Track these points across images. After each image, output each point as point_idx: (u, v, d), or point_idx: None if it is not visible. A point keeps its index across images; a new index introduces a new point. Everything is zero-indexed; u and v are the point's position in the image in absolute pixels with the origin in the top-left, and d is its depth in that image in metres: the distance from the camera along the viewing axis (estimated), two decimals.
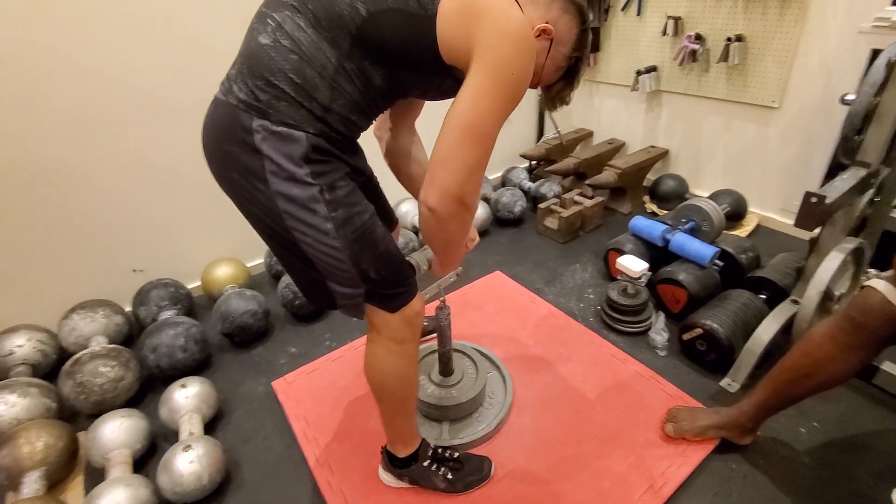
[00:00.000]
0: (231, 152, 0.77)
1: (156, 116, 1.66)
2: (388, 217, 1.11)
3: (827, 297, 1.34)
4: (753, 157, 2.23)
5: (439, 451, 1.15)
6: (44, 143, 1.50)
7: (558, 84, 0.91)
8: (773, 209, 2.24)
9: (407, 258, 0.99)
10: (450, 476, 1.12)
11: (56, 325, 1.59)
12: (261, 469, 1.27)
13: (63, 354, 1.56)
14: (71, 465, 1.25)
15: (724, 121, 2.28)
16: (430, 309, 1.22)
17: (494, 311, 1.77)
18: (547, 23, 0.82)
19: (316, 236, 0.79)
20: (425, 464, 1.11)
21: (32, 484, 1.13)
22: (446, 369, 1.34)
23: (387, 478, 1.17)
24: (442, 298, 1.22)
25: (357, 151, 0.90)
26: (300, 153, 0.74)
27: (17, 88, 1.41)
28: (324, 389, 1.47)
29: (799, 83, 1.98)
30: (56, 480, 1.22)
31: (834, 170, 1.93)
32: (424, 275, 1.10)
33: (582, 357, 1.53)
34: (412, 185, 1.12)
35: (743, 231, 2.18)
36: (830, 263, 1.30)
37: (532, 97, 2.79)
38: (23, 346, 1.48)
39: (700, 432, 1.21)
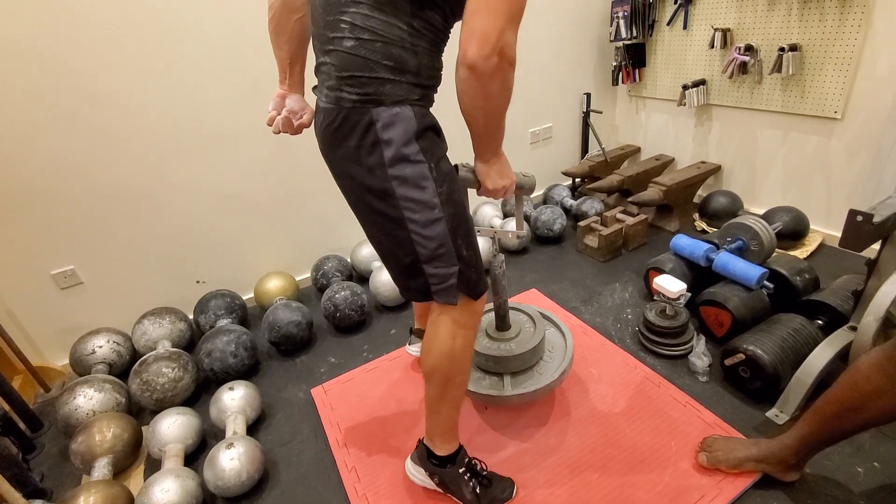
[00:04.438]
0: (354, 148, 0.85)
1: (217, 145, 1.85)
2: None
3: (889, 323, 1.22)
4: (815, 171, 2.08)
5: (473, 461, 1.16)
6: (127, 170, 1.72)
7: None
8: (838, 227, 2.05)
9: (455, 167, 0.98)
10: (478, 490, 1.13)
11: (130, 329, 1.80)
12: (295, 470, 1.35)
13: (135, 355, 1.76)
14: (135, 454, 1.40)
15: (780, 134, 2.15)
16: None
17: None
18: None
19: (424, 213, 0.87)
20: (461, 471, 1.12)
21: (101, 469, 1.29)
22: (503, 323, 1.34)
23: (415, 472, 1.17)
24: (496, 247, 1.20)
25: (441, 132, 0.96)
26: (413, 130, 0.83)
27: (112, 124, 1.65)
28: (357, 398, 1.54)
29: (865, 92, 1.84)
30: (121, 467, 1.37)
31: None
32: (475, 186, 1.02)
33: (613, 378, 1.49)
34: (288, 47, 1.03)
35: (804, 251, 2.03)
36: (891, 287, 1.19)
37: (576, 116, 2.78)
38: (102, 346, 1.69)
39: (736, 464, 1.14)
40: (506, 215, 2.55)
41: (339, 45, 0.83)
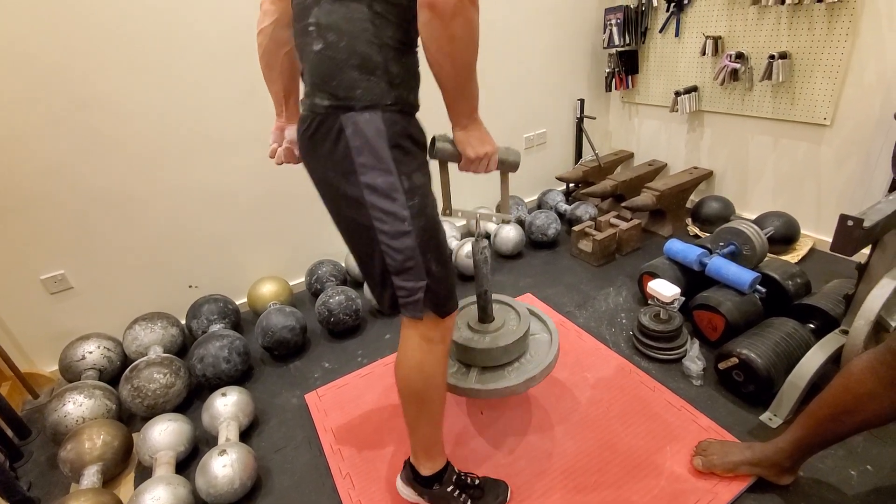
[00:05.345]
0: (327, 154, 0.85)
1: (211, 149, 1.84)
2: None
3: (880, 327, 1.24)
4: (806, 177, 2.11)
5: (462, 476, 1.15)
6: (119, 174, 1.71)
7: None
8: (829, 232, 2.09)
9: (432, 140, 0.95)
10: (469, 503, 1.12)
11: (121, 334, 1.77)
12: (289, 477, 1.33)
13: (126, 361, 1.74)
14: (125, 462, 1.38)
15: (771, 140, 2.17)
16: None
17: None
18: None
19: (393, 224, 0.86)
20: (449, 489, 1.11)
21: (91, 477, 1.26)
22: (484, 314, 1.28)
23: (405, 491, 1.18)
24: (478, 231, 1.13)
25: (423, 133, 0.93)
26: (384, 137, 0.82)
27: (104, 127, 1.63)
28: (351, 404, 1.53)
29: (853, 99, 1.87)
30: (111, 475, 1.35)
31: None
32: (452, 160, 0.96)
33: (608, 383, 1.49)
34: (281, 81, 1.05)
35: (795, 255, 2.05)
36: (881, 291, 1.20)
37: (570, 122, 2.80)
38: (93, 352, 1.67)
39: (731, 468, 1.14)
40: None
41: (310, 50, 0.83)
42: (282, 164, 1.11)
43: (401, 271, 0.90)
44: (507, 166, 1.02)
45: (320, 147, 0.86)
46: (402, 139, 0.84)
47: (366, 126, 0.81)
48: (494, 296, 1.36)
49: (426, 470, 1.10)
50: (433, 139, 0.95)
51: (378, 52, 0.81)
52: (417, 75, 0.90)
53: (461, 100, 0.86)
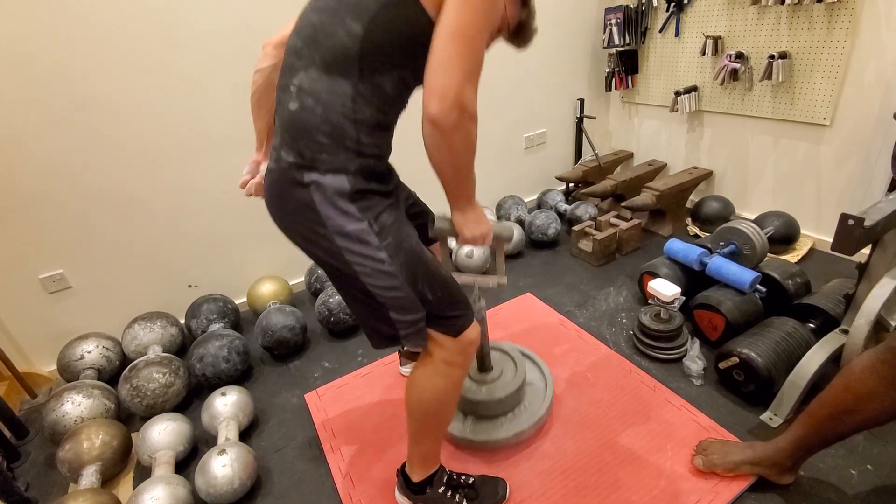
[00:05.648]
0: (292, 209, 0.86)
1: (210, 149, 1.84)
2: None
3: (880, 326, 1.24)
4: (806, 176, 2.11)
5: (454, 476, 1.15)
6: (118, 173, 1.70)
7: (522, 14, 0.98)
8: (828, 231, 2.09)
9: (431, 219, 1.01)
10: (465, 503, 1.12)
11: (120, 334, 1.77)
12: (289, 477, 1.33)
13: (125, 361, 1.73)
14: (124, 461, 1.38)
15: (771, 140, 2.18)
16: None
17: (522, 333, 1.76)
18: None
19: (373, 265, 0.86)
20: (440, 490, 1.11)
21: (89, 477, 1.26)
22: (483, 364, 1.35)
23: (403, 501, 1.17)
24: (476, 293, 1.20)
25: (392, 172, 0.98)
26: (347, 193, 0.83)
27: (103, 127, 1.63)
28: (351, 403, 1.53)
29: (853, 99, 1.87)
30: (110, 475, 1.34)
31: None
32: (453, 235, 1.02)
33: (609, 382, 1.49)
34: (266, 119, 1.11)
35: (795, 255, 2.05)
36: (881, 290, 1.20)
37: (570, 122, 2.80)
38: (91, 351, 1.66)
39: (732, 467, 1.14)
40: (500, 219, 2.56)
41: (285, 107, 0.85)
42: (251, 195, 1.15)
43: (395, 308, 0.90)
44: (502, 240, 1.09)
45: (285, 201, 0.87)
46: (366, 191, 0.85)
47: (328, 185, 0.83)
48: (494, 343, 1.44)
49: (417, 476, 1.10)
50: (432, 219, 1.01)
51: (352, 125, 0.82)
52: (389, 147, 0.92)
53: (459, 191, 0.91)
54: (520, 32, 1.01)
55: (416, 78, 0.83)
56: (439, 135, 0.78)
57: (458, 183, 0.89)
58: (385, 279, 0.87)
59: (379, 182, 0.89)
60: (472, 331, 0.97)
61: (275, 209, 0.92)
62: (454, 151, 0.81)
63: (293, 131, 0.84)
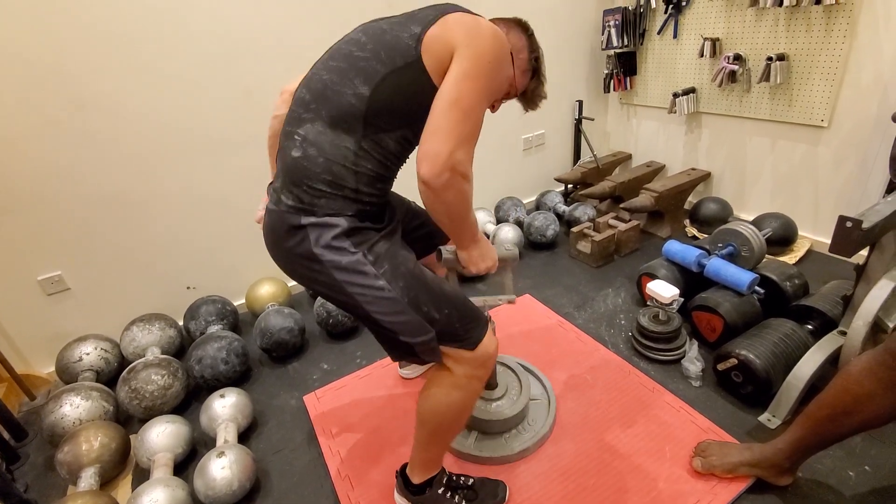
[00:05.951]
0: (290, 248, 0.89)
1: (209, 151, 1.83)
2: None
3: (878, 328, 1.24)
4: (804, 178, 2.11)
5: (454, 478, 1.15)
6: (116, 175, 1.70)
7: (531, 83, 1.06)
8: (826, 233, 2.10)
9: (438, 251, 1.06)
10: None
11: (119, 336, 1.76)
12: (288, 479, 1.33)
13: (123, 363, 1.73)
14: (122, 464, 1.37)
15: (769, 141, 2.18)
16: None
17: (520, 334, 1.77)
18: None
19: (374, 294, 0.88)
20: (440, 491, 1.11)
21: (88, 479, 1.26)
22: (489, 382, 1.35)
23: (402, 502, 1.17)
24: (486, 314, 1.23)
25: (389, 208, 1.01)
26: (342, 232, 0.86)
27: (101, 129, 1.62)
28: (350, 405, 1.52)
29: (850, 101, 1.88)
30: (109, 477, 1.34)
31: (894, 191, 1.79)
32: (459, 268, 1.08)
33: (607, 384, 1.49)
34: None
35: (793, 257, 2.06)
36: (879, 292, 1.21)
37: (568, 123, 2.81)
38: (90, 353, 1.66)
39: (730, 469, 1.14)
40: (499, 221, 2.56)
41: (288, 153, 0.88)
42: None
43: (404, 332, 0.91)
44: (507, 263, 1.14)
45: (283, 241, 0.90)
46: (361, 229, 0.88)
47: (323, 226, 0.86)
48: (500, 360, 1.46)
49: (418, 479, 1.11)
50: (439, 251, 1.07)
51: (352, 175, 0.86)
52: (387, 194, 0.96)
53: (460, 234, 0.96)
54: (527, 97, 1.08)
55: (417, 136, 0.87)
56: (432, 194, 0.82)
57: (456, 228, 0.94)
58: (387, 305, 0.89)
59: (374, 221, 0.92)
60: (489, 341, 0.98)
61: (274, 251, 0.95)
62: (447, 204, 0.85)
63: (293, 177, 0.88)
